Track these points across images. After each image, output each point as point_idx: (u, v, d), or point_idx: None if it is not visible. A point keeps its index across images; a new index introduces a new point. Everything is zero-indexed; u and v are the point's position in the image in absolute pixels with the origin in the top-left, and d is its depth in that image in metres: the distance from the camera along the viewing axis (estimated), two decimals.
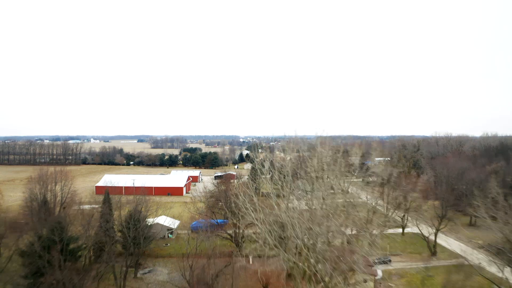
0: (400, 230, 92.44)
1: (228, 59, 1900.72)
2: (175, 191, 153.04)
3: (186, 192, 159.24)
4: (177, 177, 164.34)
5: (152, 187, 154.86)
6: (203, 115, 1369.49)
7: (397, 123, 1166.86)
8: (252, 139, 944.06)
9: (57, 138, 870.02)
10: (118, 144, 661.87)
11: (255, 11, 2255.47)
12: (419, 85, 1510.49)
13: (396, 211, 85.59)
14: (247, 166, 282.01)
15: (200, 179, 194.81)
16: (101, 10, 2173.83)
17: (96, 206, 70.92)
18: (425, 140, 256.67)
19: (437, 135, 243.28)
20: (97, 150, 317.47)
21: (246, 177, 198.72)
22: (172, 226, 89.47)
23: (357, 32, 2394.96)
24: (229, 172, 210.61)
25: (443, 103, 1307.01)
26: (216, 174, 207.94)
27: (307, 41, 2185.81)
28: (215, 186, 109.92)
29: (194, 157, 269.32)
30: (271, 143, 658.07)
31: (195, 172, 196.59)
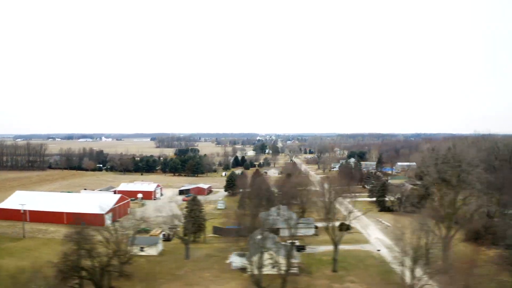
0: None
1: (248, 57, 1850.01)
2: (91, 219, 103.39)
3: (114, 221, 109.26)
4: (97, 197, 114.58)
5: (63, 212, 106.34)
6: (222, 113, 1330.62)
7: (422, 120, 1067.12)
8: (270, 137, 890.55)
9: (70, 137, 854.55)
10: (129, 143, 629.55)
11: (273, 7, 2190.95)
12: (446, 81, 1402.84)
13: None
14: (240, 171, 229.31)
15: (157, 195, 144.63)
16: (121, 10, 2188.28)
17: None
18: (460, 140, 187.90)
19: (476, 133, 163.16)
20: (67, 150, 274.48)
21: (220, 195, 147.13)
22: None
23: (373, 30, 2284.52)
24: (199, 185, 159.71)
25: (468, 100, 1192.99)
26: (182, 188, 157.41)
27: (329, 39, 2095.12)
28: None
29: (172, 163, 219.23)
30: (287, 142, 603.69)
31: (150, 186, 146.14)
